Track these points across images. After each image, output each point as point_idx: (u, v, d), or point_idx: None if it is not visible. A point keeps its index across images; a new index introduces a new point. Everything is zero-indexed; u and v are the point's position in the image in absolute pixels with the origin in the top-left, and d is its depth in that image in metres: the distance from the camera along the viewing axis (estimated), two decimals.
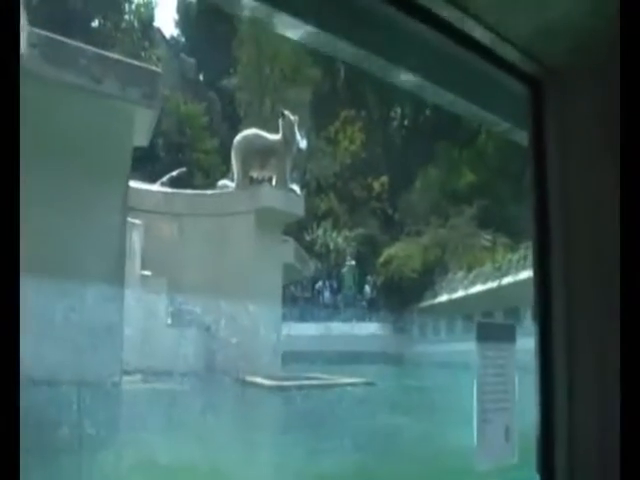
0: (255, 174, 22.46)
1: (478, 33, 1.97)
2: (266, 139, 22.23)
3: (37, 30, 13.28)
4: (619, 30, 1.44)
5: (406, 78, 2.21)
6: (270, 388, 16.10)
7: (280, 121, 21.98)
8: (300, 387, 15.58)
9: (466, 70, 2.15)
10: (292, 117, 22.08)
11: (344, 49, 2.00)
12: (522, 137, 2.61)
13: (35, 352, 9.91)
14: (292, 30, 1.88)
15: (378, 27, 1.88)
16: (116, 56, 15.96)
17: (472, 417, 1.79)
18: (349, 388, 16.13)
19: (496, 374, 1.85)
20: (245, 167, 22.06)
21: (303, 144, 23.40)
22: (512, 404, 1.87)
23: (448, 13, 1.85)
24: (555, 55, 2.10)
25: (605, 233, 1.92)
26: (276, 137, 22.04)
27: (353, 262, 44.36)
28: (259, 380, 16.69)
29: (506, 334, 1.93)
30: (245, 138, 22.51)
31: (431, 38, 1.95)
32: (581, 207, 2.03)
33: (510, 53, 2.09)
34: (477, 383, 1.79)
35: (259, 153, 21.66)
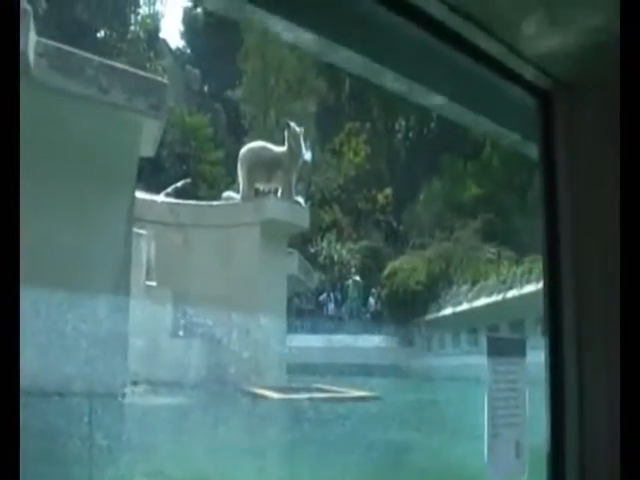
0: (261, 186, 22.46)
1: (489, 45, 1.97)
2: (272, 151, 22.24)
3: (44, 40, 13.34)
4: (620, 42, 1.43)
5: (417, 91, 2.21)
6: (278, 401, 16.04)
7: (286, 132, 21.99)
8: (308, 400, 15.53)
9: (476, 82, 2.15)
10: (298, 129, 22.12)
11: (351, 59, 2.00)
12: (531, 149, 2.62)
13: (38, 362, 9.91)
14: (299, 40, 1.88)
15: (388, 38, 1.88)
16: (123, 66, 16.02)
17: (481, 431, 1.77)
18: (357, 401, 16.06)
19: (507, 389, 1.83)
20: (251, 179, 22.06)
21: (308, 156, 23.36)
22: (523, 419, 1.86)
23: (459, 25, 1.85)
24: (565, 67, 2.10)
25: (615, 245, 1.91)
26: (282, 149, 22.07)
27: (357, 276, 44.34)
28: (266, 392, 16.64)
29: (517, 349, 1.92)
30: (251, 150, 22.52)
31: (441, 50, 1.95)
32: (591, 219, 2.03)
33: (520, 66, 2.08)
34: (488, 398, 1.78)
35: (265, 165, 21.67)
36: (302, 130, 22.42)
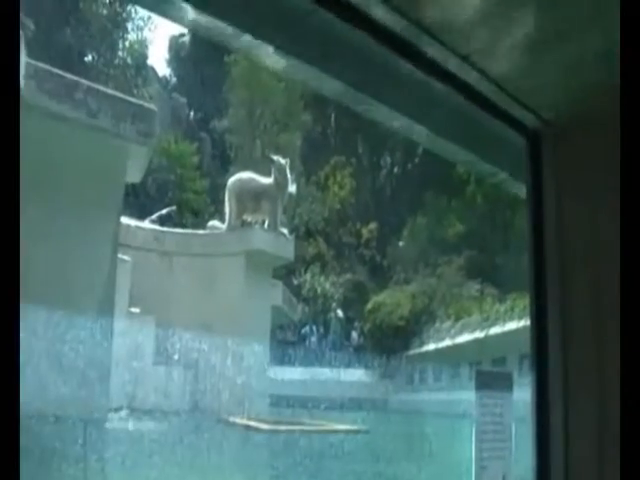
0: (249, 217, 22.43)
1: (479, 85, 2.01)
2: (260, 182, 22.26)
3: (34, 62, 13.31)
4: (620, 83, 1.48)
5: (409, 127, 2.24)
6: (265, 432, 15.86)
7: (272, 165, 22.05)
8: (295, 432, 15.41)
9: (466, 121, 2.19)
10: (283, 161, 22.19)
11: (340, 91, 2.03)
12: (518, 187, 2.65)
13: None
14: (289, 70, 1.92)
15: (379, 73, 1.91)
16: (112, 91, 16.02)
17: (467, 464, 1.79)
18: (345, 434, 15.97)
19: (494, 422, 1.85)
20: (239, 209, 22.05)
21: (293, 188, 23.38)
22: (509, 452, 1.87)
23: (449, 62, 1.89)
24: (552, 107, 2.15)
25: (603, 282, 1.94)
26: (269, 180, 22.14)
27: (340, 309, 44.27)
28: (250, 423, 16.48)
29: (503, 383, 1.94)
30: (240, 180, 22.49)
31: (431, 86, 1.99)
32: (578, 255, 2.06)
33: (509, 105, 2.13)
34: (475, 430, 1.79)
35: (253, 196, 21.66)
36: (288, 162, 22.50)
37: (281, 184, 21.82)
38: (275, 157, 22.75)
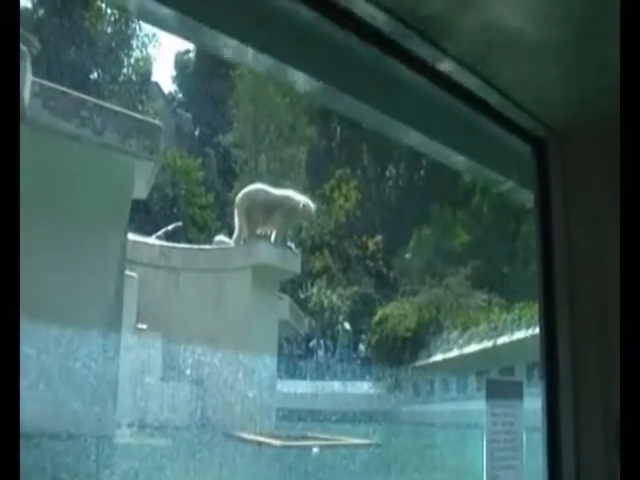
0: (259, 230, 22.27)
1: (485, 94, 2.01)
2: (271, 194, 22.20)
3: (40, 80, 13.37)
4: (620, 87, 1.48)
5: (414, 138, 2.23)
6: (277, 447, 15.75)
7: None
8: (307, 447, 15.33)
9: (471, 130, 2.19)
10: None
11: (346, 104, 2.03)
12: (524, 196, 2.65)
13: (27, 401, 9.77)
14: (296, 84, 1.92)
15: (386, 84, 1.91)
16: (117, 108, 16.06)
17: (479, 475, 1.78)
18: (357, 449, 15.91)
19: (504, 431, 1.84)
20: (250, 223, 21.90)
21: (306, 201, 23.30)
22: (520, 461, 1.86)
23: (454, 70, 1.89)
24: (558, 115, 2.15)
25: (611, 289, 1.93)
26: (281, 192, 22.18)
27: (347, 322, 44.20)
28: (265, 439, 16.35)
29: (514, 391, 1.93)
30: (249, 194, 22.30)
31: (437, 96, 1.99)
32: (586, 263, 2.05)
33: (514, 113, 2.13)
34: (486, 440, 1.78)
35: (264, 208, 21.53)
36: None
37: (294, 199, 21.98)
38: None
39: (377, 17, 1.65)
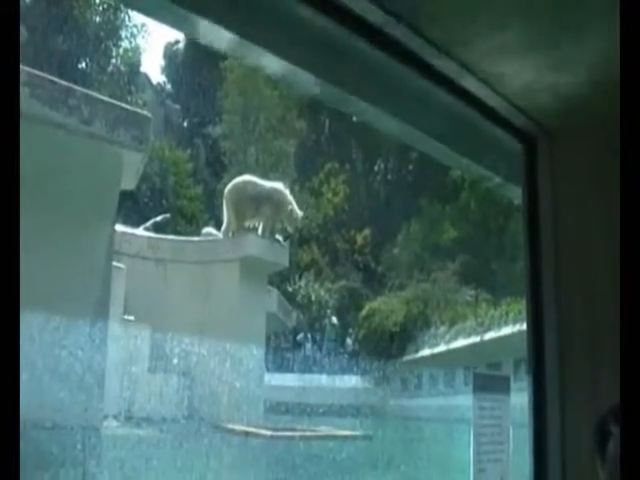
0: (248, 222, 22.21)
1: (476, 90, 2.01)
2: (260, 185, 22.18)
3: (27, 68, 13.24)
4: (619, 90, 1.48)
5: (404, 131, 2.24)
6: (266, 438, 15.78)
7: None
8: (296, 438, 15.37)
9: (462, 126, 2.20)
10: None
11: (339, 97, 2.03)
12: (513, 192, 2.66)
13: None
14: (289, 77, 1.92)
15: (380, 79, 1.92)
16: (105, 98, 15.94)
17: (465, 467, 1.79)
18: (348, 440, 15.98)
19: (492, 425, 1.85)
20: (238, 215, 21.85)
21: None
22: (507, 455, 1.87)
23: (446, 68, 1.90)
24: (548, 113, 2.16)
25: (598, 285, 1.95)
26: (270, 184, 22.14)
27: (335, 316, 44.26)
28: (253, 429, 16.38)
29: (502, 386, 1.94)
30: (238, 186, 22.24)
31: (430, 94, 1.99)
32: (573, 259, 2.06)
33: (505, 110, 2.14)
34: (473, 433, 1.79)
35: (253, 200, 21.48)
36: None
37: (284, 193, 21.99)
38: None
39: (373, 13, 1.65)
